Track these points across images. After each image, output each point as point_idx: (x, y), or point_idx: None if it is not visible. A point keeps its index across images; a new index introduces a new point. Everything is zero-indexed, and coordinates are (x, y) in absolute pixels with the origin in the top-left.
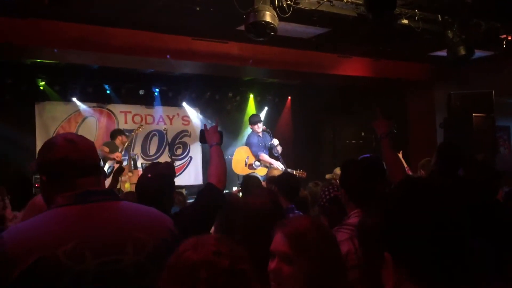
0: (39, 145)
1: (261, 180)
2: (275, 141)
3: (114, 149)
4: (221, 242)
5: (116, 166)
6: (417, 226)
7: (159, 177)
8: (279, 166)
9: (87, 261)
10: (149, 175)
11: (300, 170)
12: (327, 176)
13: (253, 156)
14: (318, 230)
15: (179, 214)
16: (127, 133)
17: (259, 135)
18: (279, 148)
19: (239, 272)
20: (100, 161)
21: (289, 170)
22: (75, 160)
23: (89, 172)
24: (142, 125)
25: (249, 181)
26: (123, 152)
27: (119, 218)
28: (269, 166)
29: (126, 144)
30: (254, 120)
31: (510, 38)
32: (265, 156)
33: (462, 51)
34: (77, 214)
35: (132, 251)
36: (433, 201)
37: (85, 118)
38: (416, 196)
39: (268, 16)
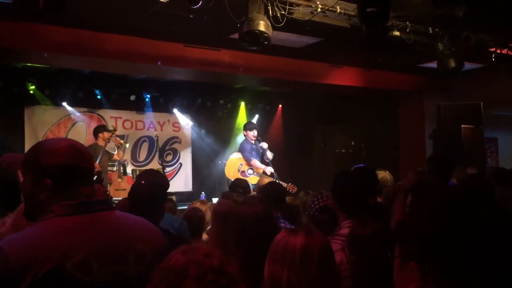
0: (28, 149)
1: (252, 189)
2: (264, 145)
3: (93, 154)
4: (211, 248)
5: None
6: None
7: (155, 186)
8: (270, 171)
9: (94, 272)
10: (143, 182)
11: (291, 184)
12: None
13: (245, 162)
14: (292, 251)
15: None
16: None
17: (252, 143)
18: (270, 154)
19: (228, 273)
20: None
21: (280, 182)
22: (82, 168)
23: (91, 181)
24: (115, 130)
25: (237, 184)
26: (106, 147)
27: (119, 228)
28: (260, 174)
29: (117, 143)
30: (249, 126)
31: (498, 51)
32: (256, 162)
33: (452, 63)
34: (80, 225)
35: (134, 262)
36: (476, 210)
37: (75, 122)
38: (461, 207)
39: (262, 26)
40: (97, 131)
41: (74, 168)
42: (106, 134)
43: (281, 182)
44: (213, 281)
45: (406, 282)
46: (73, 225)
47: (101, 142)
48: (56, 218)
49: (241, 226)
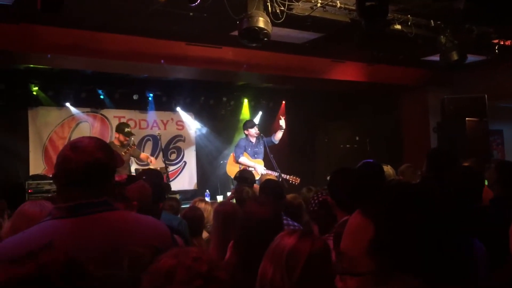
0: (32, 150)
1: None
2: (276, 136)
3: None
4: (202, 251)
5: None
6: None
7: (152, 185)
8: (259, 169)
9: None
10: (144, 178)
11: (294, 176)
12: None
13: (233, 158)
14: (281, 251)
15: None
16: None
17: (251, 141)
18: (279, 134)
19: (217, 279)
20: (105, 169)
21: (283, 175)
22: (69, 170)
23: (82, 183)
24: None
25: (244, 175)
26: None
27: (113, 231)
28: (264, 170)
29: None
30: (250, 124)
31: (502, 43)
32: (245, 160)
33: (455, 56)
34: (69, 228)
35: (128, 265)
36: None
37: (79, 123)
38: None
39: (262, 22)
40: (116, 129)
41: (61, 171)
42: (121, 137)
43: (283, 175)
44: (200, 287)
45: None
46: (60, 228)
47: (116, 142)
48: (48, 221)
49: (249, 225)
